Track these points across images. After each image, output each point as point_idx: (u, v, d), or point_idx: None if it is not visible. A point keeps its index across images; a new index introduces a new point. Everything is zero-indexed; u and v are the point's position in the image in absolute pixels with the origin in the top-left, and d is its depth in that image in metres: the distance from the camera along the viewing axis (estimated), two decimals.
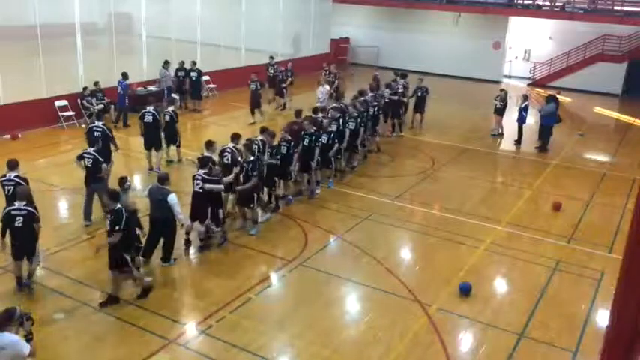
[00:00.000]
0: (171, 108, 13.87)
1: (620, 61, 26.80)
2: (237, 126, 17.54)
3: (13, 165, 9.18)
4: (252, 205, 10.56)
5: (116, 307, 8.24)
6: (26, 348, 5.41)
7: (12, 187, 8.90)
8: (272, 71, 20.60)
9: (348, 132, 13.60)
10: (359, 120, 13.96)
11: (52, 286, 8.66)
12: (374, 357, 7.51)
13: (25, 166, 13.21)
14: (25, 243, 8.30)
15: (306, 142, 12.06)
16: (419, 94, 18.54)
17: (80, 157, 10.51)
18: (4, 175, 9.12)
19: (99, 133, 11.85)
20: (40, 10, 16.42)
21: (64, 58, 17.97)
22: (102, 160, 10.51)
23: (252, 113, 18.36)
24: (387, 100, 17.12)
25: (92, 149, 10.56)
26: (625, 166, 16.45)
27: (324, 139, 12.48)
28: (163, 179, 9.16)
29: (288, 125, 13.26)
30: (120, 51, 19.32)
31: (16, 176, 9.07)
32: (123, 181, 8.88)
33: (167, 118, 13.68)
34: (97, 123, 12.25)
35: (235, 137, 11.18)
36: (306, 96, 20.29)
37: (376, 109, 15.47)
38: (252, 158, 10.41)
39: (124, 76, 17.18)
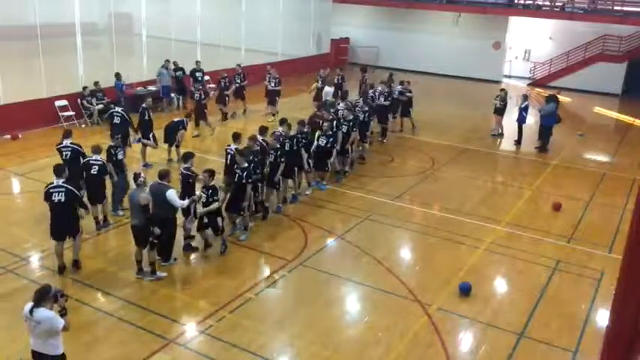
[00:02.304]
0: (144, 104, 13.78)
1: (620, 61, 26.78)
2: (236, 126, 17.56)
3: (67, 134, 10.83)
4: (242, 213, 10.40)
5: (117, 307, 8.25)
6: (60, 323, 5.74)
7: (69, 152, 10.49)
8: (238, 80, 18.80)
9: (340, 135, 13.22)
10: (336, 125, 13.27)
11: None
12: (374, 357, 7.51)
13: (25, 166, 13.39)
14: (97, 191, 10.34)
15: (287, 147, 11.68)
16: (404, 98, 18.05)
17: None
18: (61, 143, 10.73)
19: (119, 118, 12.77)
20: (40, 10, 16.45)
21: (64, 58, 17.99)
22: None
23: (197, 125, 16.62)
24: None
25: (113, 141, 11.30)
26: (625, 166, 16.45)
27: (322, 141, 12.53)
28: (163, 175, 9.11)
29: (310, 118, 13.30)
30: (120, 51, 19.34)
31: (72, 143, 10.67)
32: (137, 176, 8.95)
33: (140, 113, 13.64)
34: (116, 108, 13.05)
35: (237, 137, 11.30)
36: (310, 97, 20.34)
37: (366, 114, 14.88)
38: (245, 165, 10.17)
39: (117, 76, 17.32)
